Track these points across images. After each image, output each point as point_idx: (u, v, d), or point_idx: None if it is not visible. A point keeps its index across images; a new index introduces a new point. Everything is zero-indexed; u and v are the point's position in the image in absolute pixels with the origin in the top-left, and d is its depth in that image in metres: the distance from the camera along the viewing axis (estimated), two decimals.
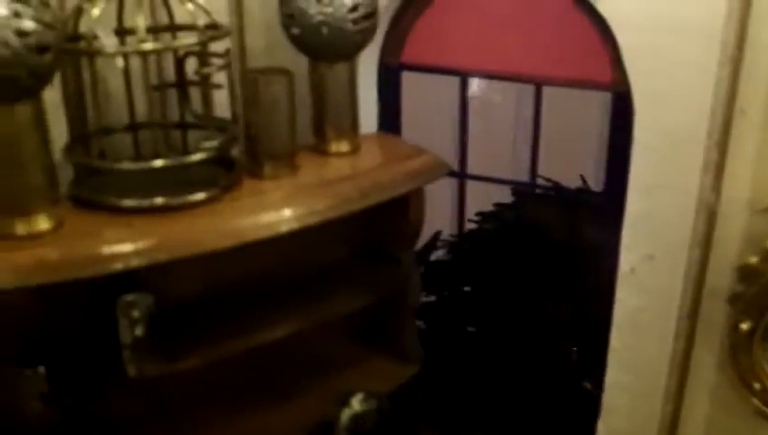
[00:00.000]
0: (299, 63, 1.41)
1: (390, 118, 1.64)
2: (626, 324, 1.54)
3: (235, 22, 1.49)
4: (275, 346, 1.41)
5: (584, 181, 1.95)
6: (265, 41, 1.52)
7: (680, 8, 1.29)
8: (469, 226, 1.95)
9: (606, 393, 1.61)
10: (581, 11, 1.42)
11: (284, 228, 1.23)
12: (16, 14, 1.00)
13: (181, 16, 1.29)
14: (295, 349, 1.49)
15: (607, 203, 1.53)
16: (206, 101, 1.26)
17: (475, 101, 1.62)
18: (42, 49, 1.02)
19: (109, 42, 1.18)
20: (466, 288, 1.83)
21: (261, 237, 1.22)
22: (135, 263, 1.15)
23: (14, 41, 1.00)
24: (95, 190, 1.25)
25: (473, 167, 1.74)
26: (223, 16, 1.43)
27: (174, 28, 1.31)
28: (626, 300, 1.52)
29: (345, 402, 1.39)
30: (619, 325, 1.56)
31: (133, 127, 1.36)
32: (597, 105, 1.69)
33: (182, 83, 1.31)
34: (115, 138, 1.35)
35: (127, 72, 1.27)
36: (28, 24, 1.00)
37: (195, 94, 1.35)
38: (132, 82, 1.30)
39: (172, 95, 1.38)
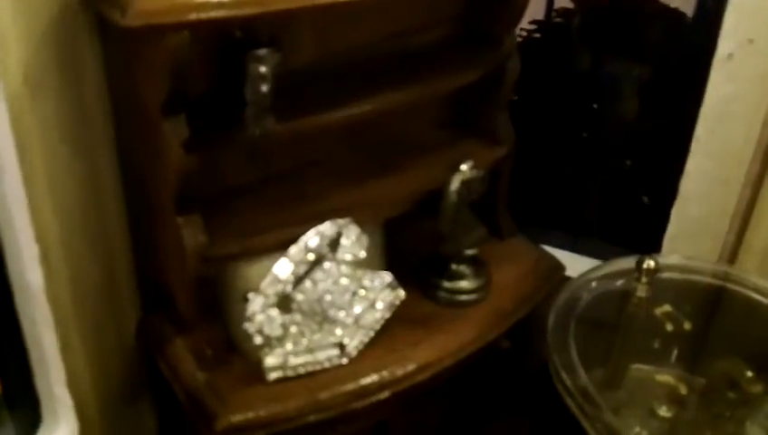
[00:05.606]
0: None
1: None
2: (714, 113, 1.60)
3: None
4: (378, 125, 1.47)
5: None
6: None
7: None
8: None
9: (684, 180, 1.69)
10: None
11: None
12: None
13: None
14: (396, 131, 1.57)
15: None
16: None
17: None
18: None
19: None
20: None
21: None
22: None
23: None
24: None
25: None
26: None
27: None
28: (719, 87, 1.57)
29: (456, 168, 1.45)
30: (706, 114, 1.61)
31: None
32: None
33: None
34: None
35: None
36: None
37: None
38: None
39: None
